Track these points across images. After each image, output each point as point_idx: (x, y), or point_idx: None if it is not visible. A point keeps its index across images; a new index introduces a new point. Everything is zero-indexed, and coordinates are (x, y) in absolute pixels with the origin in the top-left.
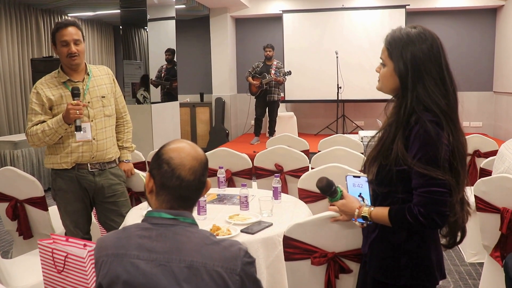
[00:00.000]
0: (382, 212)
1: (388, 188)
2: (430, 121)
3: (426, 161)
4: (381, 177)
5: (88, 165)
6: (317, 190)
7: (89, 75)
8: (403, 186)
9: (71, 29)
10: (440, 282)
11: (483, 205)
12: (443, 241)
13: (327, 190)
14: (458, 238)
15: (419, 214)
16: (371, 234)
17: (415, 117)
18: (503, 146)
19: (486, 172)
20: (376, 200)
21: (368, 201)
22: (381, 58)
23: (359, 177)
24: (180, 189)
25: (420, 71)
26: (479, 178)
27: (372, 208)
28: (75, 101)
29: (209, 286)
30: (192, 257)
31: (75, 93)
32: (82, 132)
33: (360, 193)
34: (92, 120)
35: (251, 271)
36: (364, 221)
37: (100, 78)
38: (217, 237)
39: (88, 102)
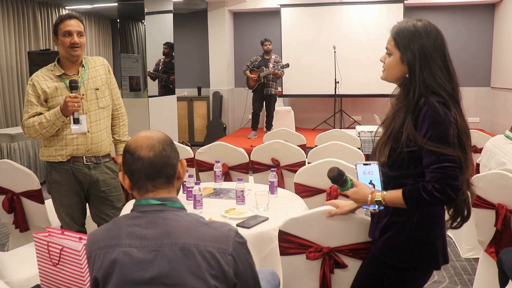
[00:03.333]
0: (396, 194)
1: (400, 170)
2: (438, 102)
3: (436, 138)
4: (393, 159)
5: (84, 158)
6: (314, 185)
7: (84, 67)
8: (415, 167)
9: (75, 21)
10: (436, 277)
11: (479, 201)
12: (449, 223)
13: (338, 180)
14: (465, 216)
15: (433, 189)
16: (382, 220)
17: (424, 99)
18: (489, 143)
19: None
20: (387, 186)
21: (379, 187)
22: (386, 48)
23: (369, 164)
24: (144, 168)
25: (427, 59)
26: (476, 174)
27: (385, 192)
28: (74, 94)
29: (202, 266)
30: (183, 239)
31: (73, 86)
32: (79, 124)
33: (371, 180)
34: (86, 113)
35: (243, 252)
36: (376, 207)
37: (95, 70)
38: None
39: (83, 95)
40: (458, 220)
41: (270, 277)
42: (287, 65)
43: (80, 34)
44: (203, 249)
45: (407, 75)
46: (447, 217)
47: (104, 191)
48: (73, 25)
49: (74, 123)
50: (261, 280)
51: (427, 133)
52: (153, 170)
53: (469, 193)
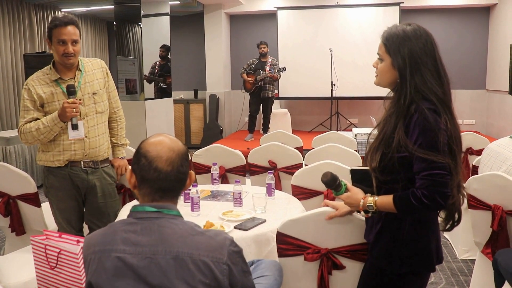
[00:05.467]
0: (386, 199)
1: (391, 175)
2: (428, 109)
3: (427, 146)
4: (383, 164)
5: (81, 162)
6: (311, 187)
7: (81, 71)
8: (405, 172)
9: (71, 28)
10: (433, 279)
11: (475, 203)
12: (441, 225)
13: (332, 184)
14: (456, 219)
15: (422, 196)
16: (376, 225)
17: (415, 105)
18: (495, 145)
19: (478, 170)
20: (378, 192)
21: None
22: (378, 53)
23: (363, 169)
24: (159, 180)
25: (417, 63)
26: (471, 176)
27: (377, 198)
28: (71, 99)
29: (195, 276)
30: (177, 248)
31: (71, 91)
32: (77, 130)
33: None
34: (84, 118)
35: (238, 260)
36: (369, 211)
37: (92, 73)
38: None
39: (80, 99)
40: (450, 223)
41: (279, 267)
42: (284, 69)
43: (75, 42)
44: (197, 258)
45: (398, 80)
46: (439, 219)
47: (100, 197)
48: (69, 33)
49: (72, 129)
50: (270, 267)
51: (417, 140)
52: (166, 185)
53: (460, 197)
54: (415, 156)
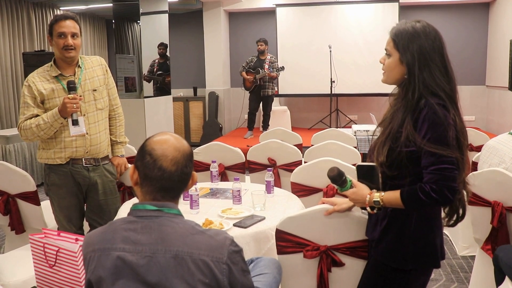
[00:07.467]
0: (394, 195)
1: (398, 170)
2: (438, 104)
3: (436, 140)
4: (391, 159)
5: (83, 160)
6: (310, 184)
7: (80, 68)
8: (413, 167)
9: (70, 22)
10: (433, 275)
11: (475, 199)
12: (445, 221)
13: (338, 180)
14: (461, 215)
15: (431, 190)
16: (381, 222)
17: (424, 100)
18: (494, 142)
19: (477, 166)
20: (384, 187)
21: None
22: (386, 49)
23: (369, 165)
24: (162, 180)
25: (426, 59)
26: (471, 172)
27: (383, 193)
28: (72, 95)
29: (195, 275)
30: (177, 247)
31: (71, 87)
32: (77, 126)
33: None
34: (84, 115)
35: (238, 260)
36: (375, 207)
37: (92, 70)
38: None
39: (80, 96)
40: (454, 218)
41: (278, 264)
42: (283, 68)
43: (75, 35)
44: (197, 257)
45: (406, 76)
46: (443, 215)
47: (101, 194)
48: (68, 26)
49: (72, 124)
50: (269, 264)
51: (426, 134)
52: (168, 184)
53: (464, 192)
54: (424, 151)
